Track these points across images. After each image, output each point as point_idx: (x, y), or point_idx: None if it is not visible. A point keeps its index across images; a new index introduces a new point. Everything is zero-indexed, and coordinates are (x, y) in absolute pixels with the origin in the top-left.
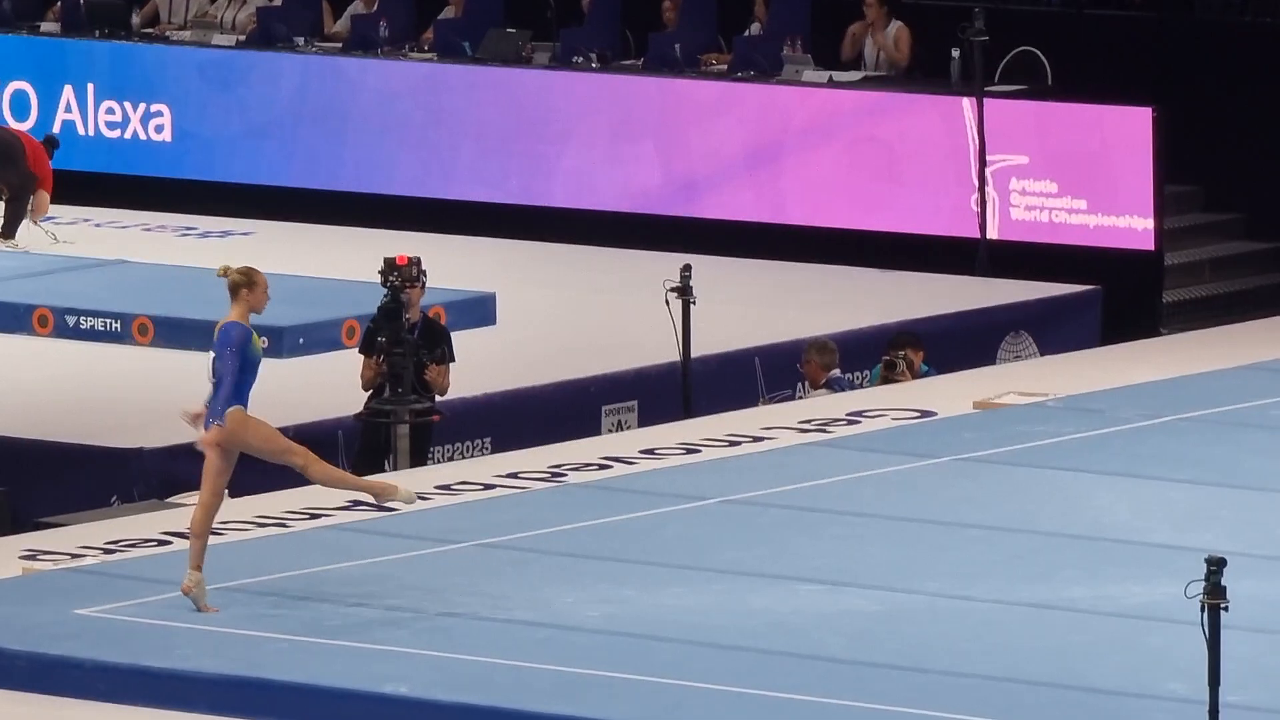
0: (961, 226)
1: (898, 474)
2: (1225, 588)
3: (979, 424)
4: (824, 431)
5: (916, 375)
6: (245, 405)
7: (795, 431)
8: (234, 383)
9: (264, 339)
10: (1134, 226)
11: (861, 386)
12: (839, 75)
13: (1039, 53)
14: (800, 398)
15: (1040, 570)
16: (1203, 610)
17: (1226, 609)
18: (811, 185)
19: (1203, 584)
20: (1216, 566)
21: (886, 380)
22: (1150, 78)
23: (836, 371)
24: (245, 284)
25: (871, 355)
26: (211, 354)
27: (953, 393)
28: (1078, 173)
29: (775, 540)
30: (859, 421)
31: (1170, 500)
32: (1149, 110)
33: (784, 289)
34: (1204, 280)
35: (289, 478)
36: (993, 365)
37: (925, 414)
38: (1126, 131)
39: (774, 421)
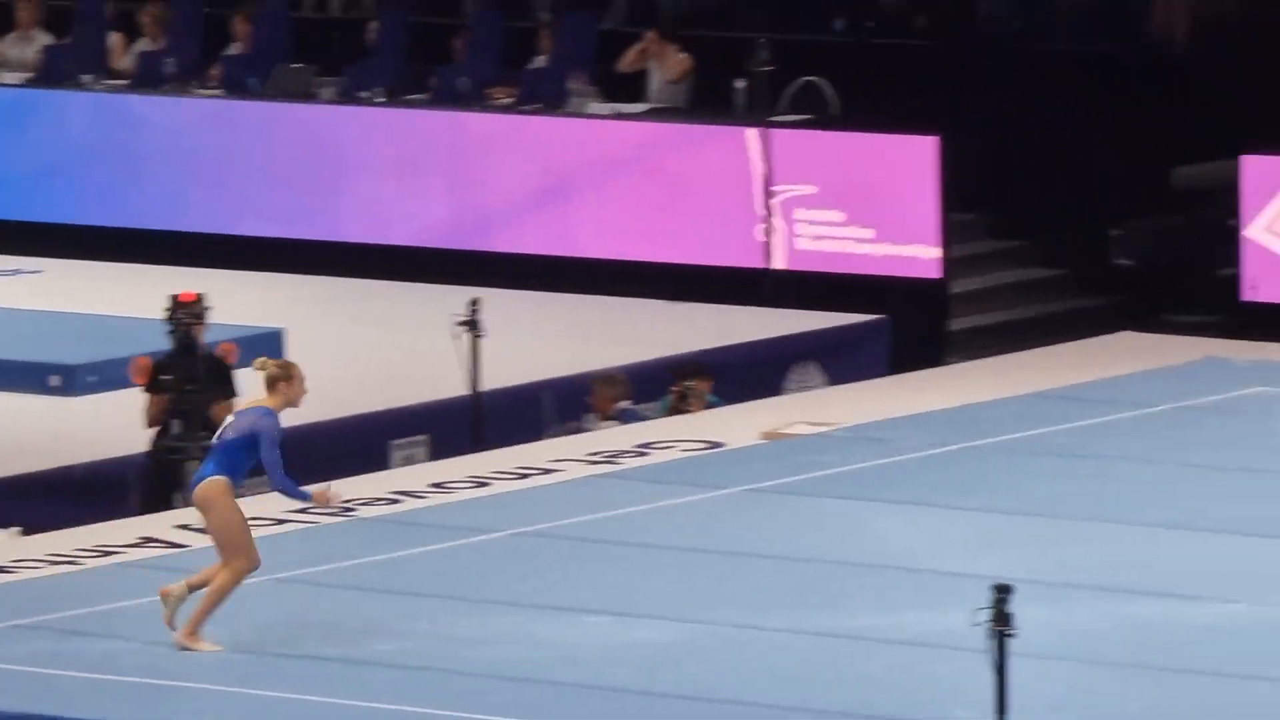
0: (748, 257)
1: (686, 505)
2: (1012, 614)
3: (767, 454)
4: (613, 463)
5: (704, 406)
6: (236, 483)
7: (584, 463)
8: (229, 458)
9: None
10: (920, 255)
11: (650, 418)
12: (625, 107)
13: (824, 82)
14: (589, 430)
15: (828, 599)
16: (989, 637)
17: (1013, 635)
18: (599, 217)
19: (989, 611)
20: (1003, 593)
21: (676, 411)
22: (934, 106)
23: (625, 403)
24: (283, 377)
25: (660, 387)
26: (231, 419)
27: (741, 423)
28: (864, 202)
29: (565, 572)
30: (647, 453)
31: (957, 528)
32: (934, 139)
33: (572, 322)
34: (990, 308)
35: (83, 517)
36: (780, 395)
37: (713, 445)
38: (911, 160)
39: (563, 454)
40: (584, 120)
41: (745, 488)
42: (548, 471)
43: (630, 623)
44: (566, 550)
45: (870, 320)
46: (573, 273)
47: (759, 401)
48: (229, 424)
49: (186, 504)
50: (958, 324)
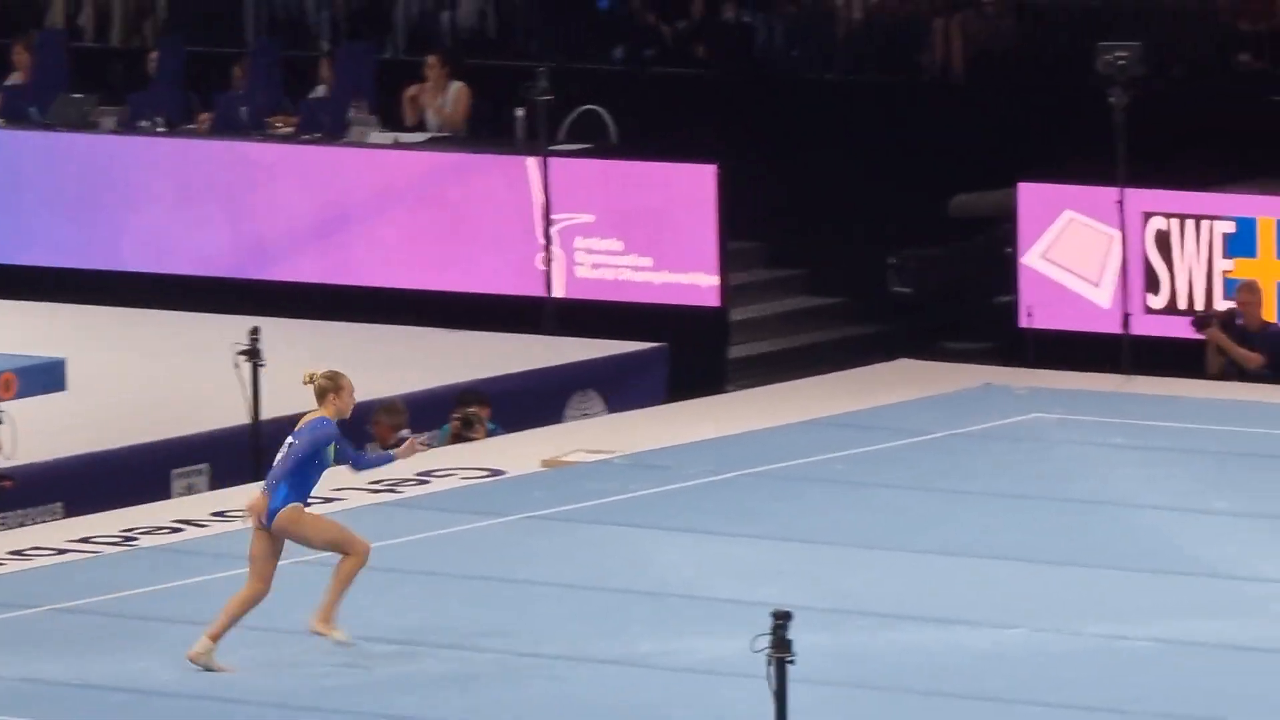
0: (528, 285)
1: (468, 533)
2: (791, 641)
3: (547, 482)
4: (394, 492)
5: (486, 433)
6: (304, 503)
7: (366, 492)
8: (297, 478)
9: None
10: (699, 283)
11: (431, 446)
12: (404, 136)
13: (603, 111)
14: None
15: (610, 626)
16: (769, 664)
17: (792, 662)
18: (379, 246)
19: (768, 637)
20: (782, 620)
21: (459, 438)
22: (713, 135)
23: (405, 431)
24: (332, 389)
25: (440, 415)
26: (293, 440)
27: (521, 451)
28: (643, 230)
29: (347, 601)
30: (429, 481)
31: (736, 555)
32: (712, 167)
33: (353, 350)
34: (768, 336)
35: None
36: (561, 423)
37: (494, 473)
38: (690, 189)
39: (345, 482)
40: (364, 149)
41: (526, 515)
42: (329, 500)
43: (414, 651)
44: None
45: (649, 348)
46: (353, 301)
47: (539, 429)
48: (292, 444)
49: None
50: (736, 352)
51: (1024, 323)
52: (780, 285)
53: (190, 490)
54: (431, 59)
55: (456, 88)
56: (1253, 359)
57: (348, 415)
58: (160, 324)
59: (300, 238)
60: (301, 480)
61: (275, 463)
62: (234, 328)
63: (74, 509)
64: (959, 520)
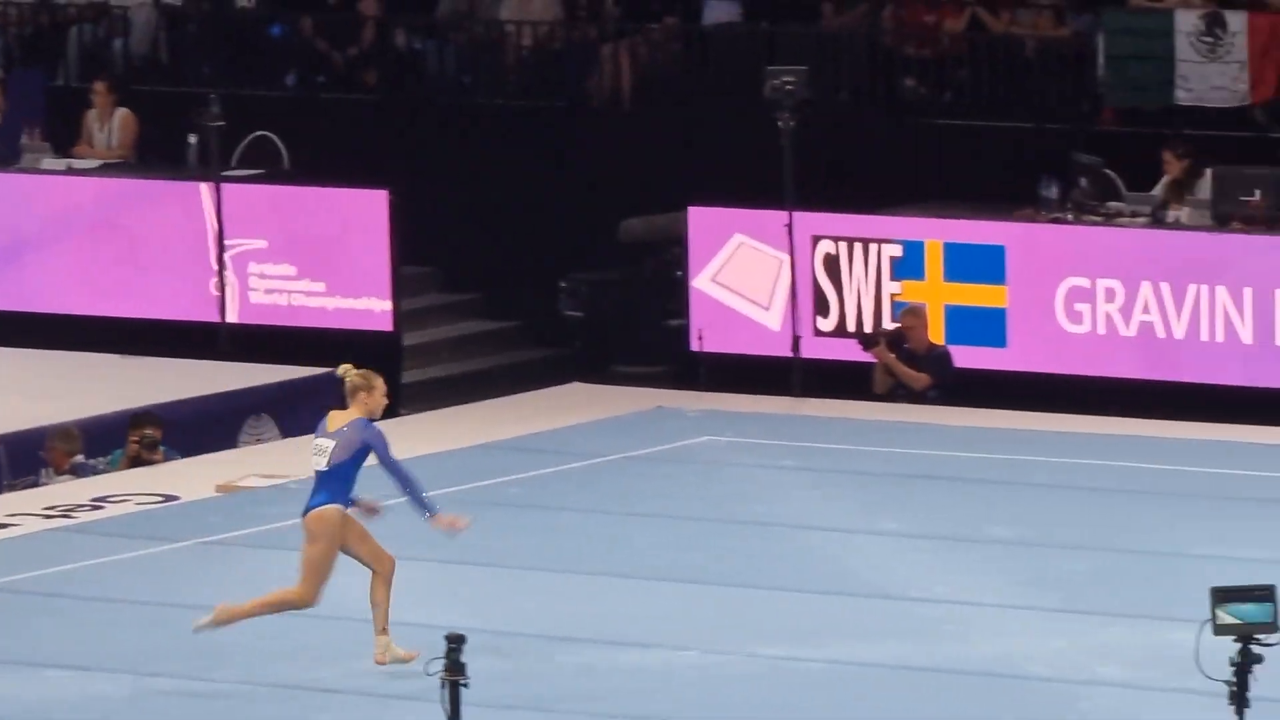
0: (202, 310)
1: (144, 558)
2: (464, 664)
3: (221, 507)
4: (69, 517)
5: (164, 456)
6: (346, 505)
7: (40, 518)
8: (345, 484)
9: None
10: (372, 308)
11: (104, 471)
12: (78, 163)
13: (275, 137)
14: (44, 484)
15: (287, 650)
16: (443, 687)
17: (467, 685)
18: (54, 272)
19: (442, 661)
20: (455, 643)
21: (137, 461)
22: (385, 160)
23: (80, 457)
24: (365, 387)
25: (115, 440)
26: (330, 442)
27: (195, 476)
28: (316, 255)
29: (22, 627)
30: (103, 506)
31: (410, 578)
32: (384, 193)
33: (27, 376)
34: (442, 360)
35: None
36: (235, 448)
37: (169, 498)
38: (363, 214)
39: (18, 508)
40: (37, 175)
41: (200, 540)
42: (3, 526)
43: (90, 676)
44: (24, 605)
45: (323, 373)
46: (27, 327)
47: (214, 454)
48: (330, 447)
49: None
50: (410, 376)
51: (695, 346)
52: (453, 310)
53: None
54: (99, 85)
55: (121, 114)
56: (919, 380)
57: (376, 416)
58: None
59: None
60: (344, 483)
61: (323, 465)
62: None
63: None
64: (631, 542)
